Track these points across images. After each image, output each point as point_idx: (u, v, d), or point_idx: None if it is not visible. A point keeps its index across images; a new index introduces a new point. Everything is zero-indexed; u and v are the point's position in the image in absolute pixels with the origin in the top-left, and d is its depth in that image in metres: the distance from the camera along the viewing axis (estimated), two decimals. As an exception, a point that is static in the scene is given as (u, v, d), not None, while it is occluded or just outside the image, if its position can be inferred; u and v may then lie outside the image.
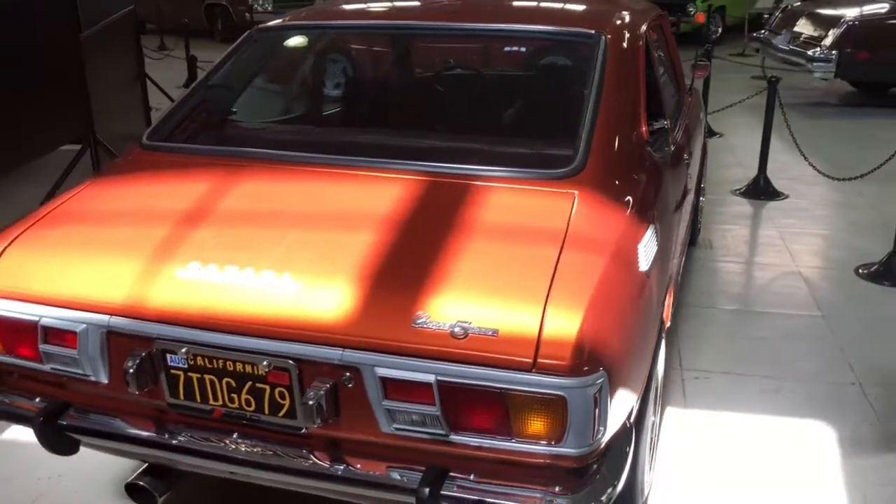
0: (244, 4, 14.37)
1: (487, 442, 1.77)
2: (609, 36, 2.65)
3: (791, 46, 9.03)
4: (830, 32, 8.40)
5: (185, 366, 1.90)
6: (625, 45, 2.70)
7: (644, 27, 2.98)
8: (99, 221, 2.26)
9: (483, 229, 2.02)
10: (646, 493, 2.41)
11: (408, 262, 1.92)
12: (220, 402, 1.92)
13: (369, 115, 3.43)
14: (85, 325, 1.94)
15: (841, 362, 3.46)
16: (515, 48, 3.91)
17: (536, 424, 1.72)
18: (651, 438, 2.44)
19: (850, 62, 8.26)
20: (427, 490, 1.75)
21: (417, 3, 3.33)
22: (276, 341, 1.81)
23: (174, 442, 1.97)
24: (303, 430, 1.88)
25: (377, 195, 2.20)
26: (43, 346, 2.00)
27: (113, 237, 2.15)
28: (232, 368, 1.87)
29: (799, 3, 10.36)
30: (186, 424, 2.00)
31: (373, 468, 1.86)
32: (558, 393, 1.67)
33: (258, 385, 1.86)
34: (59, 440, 2.07)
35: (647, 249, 2.12)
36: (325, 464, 1.88)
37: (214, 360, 1.87)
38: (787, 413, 3.08)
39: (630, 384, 1.90)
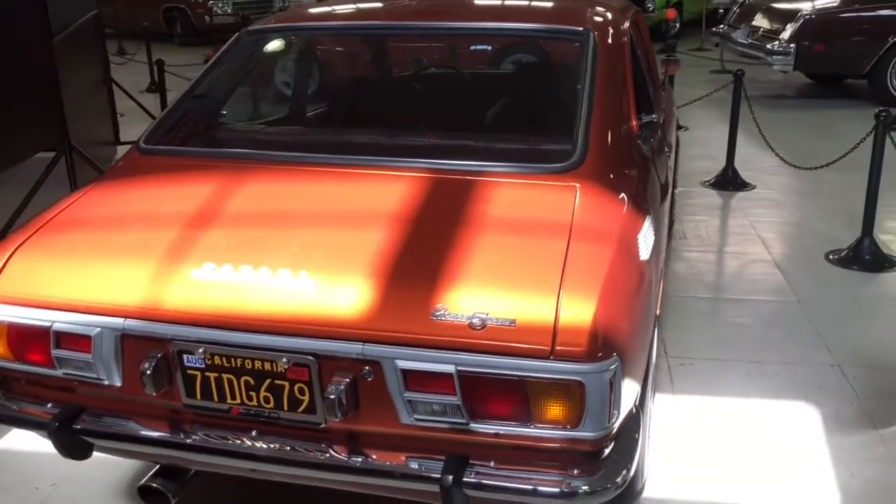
0: (203, 7, 14.25)
1: (506, 429, 1.81)
2: (597, 32, 2.70)
3: (750, 40, 9.25)
4: (788, 26, 8.63)
5: (203, 366, 1.91)
6: (612, 40, 2.75)
7: (627, 23, 3.05)
8: (105, 225, 2.26)
9: (491, 223, 2.07)
10: (645, 476, 2.48)
11: (421, 256, 1.96)
12: (238, 401, 1.93)
13: (371, 114, 3.45)
14: (99, 329, 1.94)
15: (819, 345, 3.57)
16: (506, 45, 3.95)
17: (555, 410, 1.77)
18: (648, 423, 2.50)
19: (808, 55, 8.52)
20: (451, 478, 1.79)
21: (410, 4, 3.35)
22: (296, 338, 1.84)
23: (192, 441, 1.99)
24: (322, 425, 1.90)
25: (384, 193, 2.24)
26: (55, 352, 2.00)
27: (122, 241, 2.16)
28: (251, 367, 1.89)
29: (755, -2, 10.60)
30: (202, 424, 2.01)
31: (392, 459, 1.89)
32: (576, 378, 1.72)
33: (277, 382, 1.88)
34: (74, 445, 2.07)
35: (646, 239, 2.18)
36: (345, 456, 1.90)
37: (233, 360, 1.89)
38: (772, 395, 3.18)
39: (637, 370, 1.96)
